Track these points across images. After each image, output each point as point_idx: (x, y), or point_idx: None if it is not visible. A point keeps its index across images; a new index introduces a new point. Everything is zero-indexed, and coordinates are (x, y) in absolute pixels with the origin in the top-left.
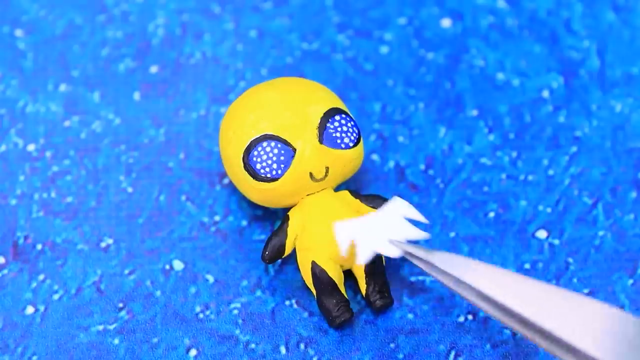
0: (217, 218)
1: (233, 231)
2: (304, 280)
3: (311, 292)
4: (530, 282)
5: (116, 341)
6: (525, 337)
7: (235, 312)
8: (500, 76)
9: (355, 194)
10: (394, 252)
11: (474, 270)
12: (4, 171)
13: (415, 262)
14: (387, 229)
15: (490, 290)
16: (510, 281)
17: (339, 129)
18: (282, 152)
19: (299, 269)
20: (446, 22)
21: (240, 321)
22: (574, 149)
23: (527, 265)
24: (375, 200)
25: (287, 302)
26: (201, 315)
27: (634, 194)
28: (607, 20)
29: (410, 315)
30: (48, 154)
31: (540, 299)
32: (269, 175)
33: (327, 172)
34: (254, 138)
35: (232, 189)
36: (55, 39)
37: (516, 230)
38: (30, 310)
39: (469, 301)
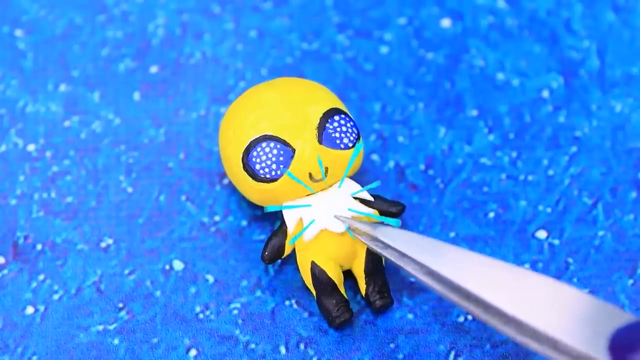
0: (217, 218)
1: (233, 231)
2: (303, 280)
3: (311, 292)
4: (477, 258)
5: (116, 341)
6: (469, 312)
7: (235, 312)
8: (500, 76)
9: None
10: (339, 228)
11: (418, 245)
12: (4, 171)
13: (361, 237)
14: (334, 205)
15: (433, 264)
16: (455, 256)
17: (339, 129)
18: (282, 152)
19: (299, 269)
20: (446, 22)
21: (240, 321)
22: (574, 149)
23: (527, 266)
24: (376, 200)
25: (287, 302)
26: (201, 316)
27: (634, 194)
28: (607, 20)
29: (410, 315)
30: (48, 154)
31: (485, 274)
32: (268, 176)
33: (326, 172)
34: (254, 138)
35: (232, 189)
36: (55, 39)
37: (516, 230)
38: (30, 310)
39: (413, 276)
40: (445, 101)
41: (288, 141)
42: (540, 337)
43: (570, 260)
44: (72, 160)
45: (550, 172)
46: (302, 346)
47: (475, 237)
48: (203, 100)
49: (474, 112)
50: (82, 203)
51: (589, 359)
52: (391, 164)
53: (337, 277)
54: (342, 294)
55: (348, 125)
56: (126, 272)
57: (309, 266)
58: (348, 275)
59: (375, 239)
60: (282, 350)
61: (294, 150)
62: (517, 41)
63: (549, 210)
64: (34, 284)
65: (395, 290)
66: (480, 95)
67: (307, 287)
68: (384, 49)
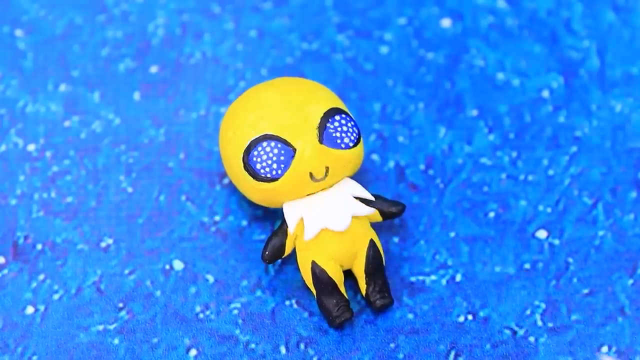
0: (217, 218)
1: (233, 231)
2: (304, 280)
3: (311, 292)
4: None
5: (116, 341)
6: None
7: (235, 312)
8: (500, 76)
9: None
10: (339, 226)
11: None
12: (4, 171)
13: None
14: (334, 205)
15: None
16: None
17: (339, 129)
18: (282, 152)
19: (299, 269)
20: (446, 22)
21: (240, 321)
22: (574, 149)
23: (527, 265)
24: (376, 200)
25: (287, 302)
26: (201, 315)
27: (634, 194)
28: (607, 20)
29: (410, 315)
30: (48, 154)
31: None
32: (269, 175)
33: (327, 172)
34: (254, 138)
35: (232, 189)
36: (55, 39)
37: (516, 230)
38: (30, 310)
39: None
40: (445, 101)
41: (289, 141)
42: None
43: (570, 260)
44: (72, 160)
45: (550, 172)
46: (302, 346)
47: (475, 237)
48: (203, 100)
49: (474, 112)
50: (82, 203)
51: None
52: (391, 164)
53: (338, 277)
54: (342, 294)
55: (349, 125)
56: (126, 272)
57: (310, 266)
58: (348, 275)
59: None
60: (282, 350)
61: (294, 150)
62: (517, 41)
63: (549, 210)
64: (34, 284)
65: (395, 290)
66: (480, 95)
67: (308, 287)
68: (384, 49)
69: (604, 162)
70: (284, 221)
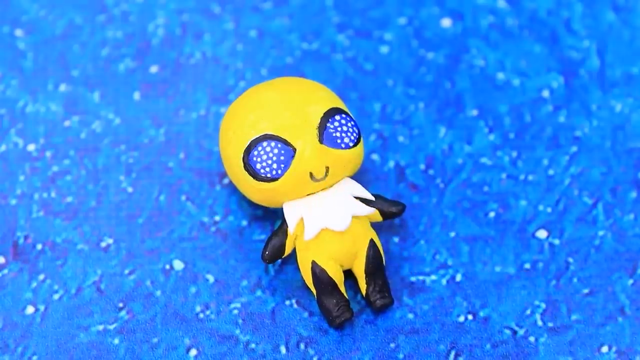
0: (217, 218)
1: (233, 231)
2: (304, 280)
3: (311, 292)
4: None
5: (116, 341)
6: None
7: (235, 312)
8: (500, 76)
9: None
10: (339, 226)
11: None
12: (4, 171)
13: None
14: (334, 205)
15: None
16: None
17: (339, 128)
18: (282, 152)
19: (299, 269)
20: (446, 22)
21: (240, 321)
22: (574, 149)
23: (527, 265)
24: (377, 200)
25: (287, 302)
26: (201, 315)
27: (634, 194)
28: (607, 20)
29: (410, 315)
30: (48, 154)
31: None
32: (269, 175)
33: (327, 172)
34: (254, 138)
35: (232, 189)
36: (55, 39)
37: (516, 230)
38: (30, 310)
39: None
40: (445, 101)
41: (289, 140)
42: None
43: (570, 260)
44: (72, 160)
45: (551, 172)
46: (302, 346)
47: (475, 237)
48: (203, 100)
49: (474, 112)
50: (82, 203)
51: None
52: (391, 164)
53: (338, 277)
54: (342, 294)
55: (349, 124)
56: (126, 272)
57: (310, 266)
58: (348, 275)
59: None
60: (282, 350)
61: (294, 150)
62: (517, 41)
63: (549, 210)
64: (34, 284)
65: (395, 290)
66: (480, 95)
67: (308, 287)
68: (384, 49)
69: (604, 162)
70: (284, 221)
